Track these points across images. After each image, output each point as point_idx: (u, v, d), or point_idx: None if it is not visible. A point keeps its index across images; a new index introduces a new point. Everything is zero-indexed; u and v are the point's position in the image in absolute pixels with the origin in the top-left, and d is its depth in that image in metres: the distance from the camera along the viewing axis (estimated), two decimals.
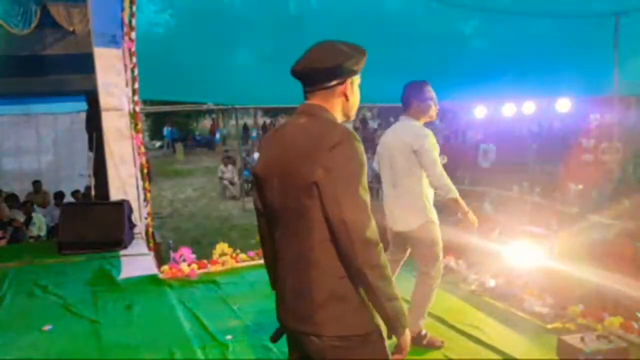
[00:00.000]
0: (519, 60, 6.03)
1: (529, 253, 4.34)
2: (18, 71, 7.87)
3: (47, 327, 3.54)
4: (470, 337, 3.48)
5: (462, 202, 3.24)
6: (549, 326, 3.60)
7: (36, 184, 9.59)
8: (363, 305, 1.61)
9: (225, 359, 3.27)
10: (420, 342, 3.31)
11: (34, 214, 7.84)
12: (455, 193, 3.20)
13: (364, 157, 1.60)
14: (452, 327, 3.65)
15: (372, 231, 1.55)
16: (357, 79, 1.77)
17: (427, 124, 3.39)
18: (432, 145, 3.19)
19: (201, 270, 4.91)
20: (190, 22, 5.65)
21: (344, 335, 1.58)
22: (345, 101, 1.73)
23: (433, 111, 3.33)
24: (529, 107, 7.47)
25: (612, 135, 8.10)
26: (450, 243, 5.24)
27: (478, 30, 5.89)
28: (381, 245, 1.56)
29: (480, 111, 8.55)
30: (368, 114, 28.64)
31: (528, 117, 11.35)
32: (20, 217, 7.61)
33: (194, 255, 5.04)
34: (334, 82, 1.68)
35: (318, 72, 1.67)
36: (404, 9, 5.42)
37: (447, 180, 3.19)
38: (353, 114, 1.80)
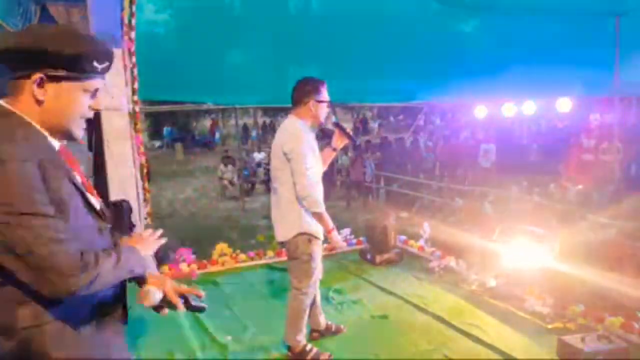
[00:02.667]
0: (519, 60, 6.02)
1: (529, 253, 4.34)
2: None
3: None
4: (470, 336, 3.48)
5: (327, 218, 2.99)
6: (549, 326, 3.60)
7: None
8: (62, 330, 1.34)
9: (225, 359, 3.28)
10: (304, 357, 3.12)
11: None
12: (320, 207, 2.93)
13: (36, 181, 1.19)
14: (452, 326, 3.65)
15: (67, 260, 1.25)
16: (73, 85, 1.29)
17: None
18: (305, 149, 2.87)
19: (201, 270, 4.91)
20: (190, 22, 5.64)
21: None
22: (36, 104, 1.27)
23: (323, 114, 3.07)
24: (529, 107, 7.46)
25: (612, 135, 8.11)
26: (451, 243, 5.27)
27: (478, 30, 5.88)
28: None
29: (480, 111, 8.54)
30: (368, 114, 28.63)
31: (528, 117, 11.36)
32: None
33: (194, 255, 5.04)
34: (18, 73, 1.27)
35: (6, 53, 1.25)
36: (403, 9, 5.41)
37: (314, 192, 2.90)
38: (68, 125, 1.32)
